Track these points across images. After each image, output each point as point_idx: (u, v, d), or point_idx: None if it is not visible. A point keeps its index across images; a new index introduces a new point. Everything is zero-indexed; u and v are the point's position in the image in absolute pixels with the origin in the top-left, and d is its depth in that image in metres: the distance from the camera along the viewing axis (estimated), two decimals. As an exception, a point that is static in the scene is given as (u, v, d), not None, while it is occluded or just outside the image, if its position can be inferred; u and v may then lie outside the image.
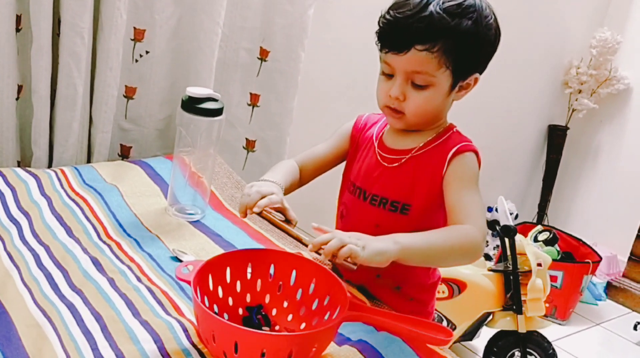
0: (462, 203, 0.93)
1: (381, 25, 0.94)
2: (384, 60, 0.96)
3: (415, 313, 1.01)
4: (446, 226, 0.94)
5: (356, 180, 1.04)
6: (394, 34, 0.92)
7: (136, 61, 1.52)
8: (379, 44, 0.95)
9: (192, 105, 1.16)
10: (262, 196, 0.95)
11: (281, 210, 0.98)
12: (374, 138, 1.05)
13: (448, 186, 0.95)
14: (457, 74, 0.93)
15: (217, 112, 1.18)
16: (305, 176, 1.11)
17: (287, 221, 0.98)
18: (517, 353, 1.76)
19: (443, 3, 0.89)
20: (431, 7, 0.88)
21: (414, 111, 0.95)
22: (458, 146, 0.96)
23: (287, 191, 1.04)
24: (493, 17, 0.94)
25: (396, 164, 1.00)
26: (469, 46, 0.91)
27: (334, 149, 1.11)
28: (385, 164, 1.01)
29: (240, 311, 0.89)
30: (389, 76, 0.96)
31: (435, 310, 1.70)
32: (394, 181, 0.99)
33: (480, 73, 0.98)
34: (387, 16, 0.92)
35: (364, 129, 1.09)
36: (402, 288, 1.06)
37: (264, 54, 1.69)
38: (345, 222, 1.07)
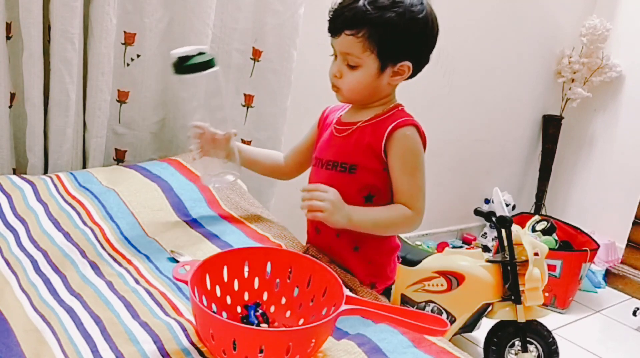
0: (404, 187, 1.11)
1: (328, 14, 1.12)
2: (331, 43, 1.13)
3: (374, 275, 1.19)
4: (388, 191, 1.14)
5: (318, 154, 1.22)
6: (331, 21, 1.11)
7: (128, 64, 1.52)
8: None
9: (182, 65, 1.11)
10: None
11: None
12: (334, 118, 1.22)
13: (393, 167, 1.11)
14: (382, 58, 1.08)
15: (211, 63, 1.13)
16: (289, 162, 1.33)
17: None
18: (518, 343, 1.76)
19: None
20: (362, 1, 1.05)
21: (347, 87, 1.12)
22: (398, 120, 1.11)
23: (254, 160, 1.32)
24: (424, 12, 1.07)
25: (345, 133, 1.16)
26: (390, 35, 1.06)
27: (308, 138, 1.29)
28: (338, 135, 1.18)
29: (239, 309, 0.90)
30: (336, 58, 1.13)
31: (434, 302, 1.73)
32: (343, 147, 1.16)
33: (414, 63, 1.10)
34: (331, 6, 1.11)
35: (327, 115, 1.27)
36: (360, 248, 1.17)
37: (256, 55, 1.69)
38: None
